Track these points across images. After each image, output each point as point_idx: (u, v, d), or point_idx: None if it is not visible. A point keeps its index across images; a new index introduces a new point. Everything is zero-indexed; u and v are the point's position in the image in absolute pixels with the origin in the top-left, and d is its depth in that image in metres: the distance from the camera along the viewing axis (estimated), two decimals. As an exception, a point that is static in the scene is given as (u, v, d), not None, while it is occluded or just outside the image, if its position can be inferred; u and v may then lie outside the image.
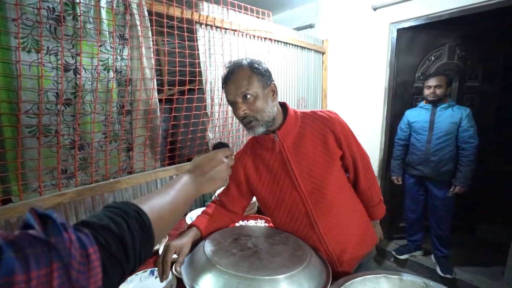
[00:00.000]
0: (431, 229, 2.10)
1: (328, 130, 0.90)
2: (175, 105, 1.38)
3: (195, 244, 0.88)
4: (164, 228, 0.49)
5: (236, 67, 0.85)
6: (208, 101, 1.56)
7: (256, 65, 0.85)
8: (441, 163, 1.94)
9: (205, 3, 1.47)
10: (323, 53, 2.39)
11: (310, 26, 2.57)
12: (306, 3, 2.52)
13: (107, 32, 1.13)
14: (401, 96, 2.25)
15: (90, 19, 1.08)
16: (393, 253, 2.31)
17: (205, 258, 0.78)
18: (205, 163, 0.64)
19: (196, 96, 1.46)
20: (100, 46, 1.11)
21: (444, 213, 2.01)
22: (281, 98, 2.05)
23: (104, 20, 1.11)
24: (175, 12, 1.33)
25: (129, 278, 0.98)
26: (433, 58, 2.21)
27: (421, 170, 2.03)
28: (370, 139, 2.32)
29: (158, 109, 1.33)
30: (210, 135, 1.61)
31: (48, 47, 1.00)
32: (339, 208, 0.93)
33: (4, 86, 0.94)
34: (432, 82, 1.93)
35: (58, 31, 1.01)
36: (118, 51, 1.18)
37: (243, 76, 0.83)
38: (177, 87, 1.43)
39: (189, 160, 1.58)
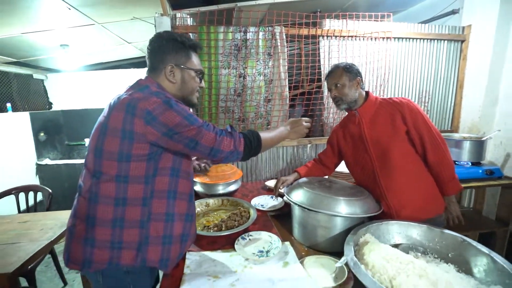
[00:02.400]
0: None
1: (397, 111, 1.22)
2: (299, 98, 2.00)
3: None
4: (267, 146, 1.04)
5: (334, 68, 1.33)
6: (325, 93, 2.07)
7: (348, 67, 1.29)
8: None
9: (327, 20, 1.97)
10: (462, 41, 2.23)
11: (453, 12, 2.42)
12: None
13: (261, 52, 1.90)
14: None
15: (253, 46, 1.88)
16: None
17: (297, 183, 1.34)
18: (294, 122, 1.18)
19: (314, 89, 2.00)
20: (257, 61, 1.90)
21: None
22: (397, 91, 2.21)
23: (260, 45, 1.89)
24: (303, 31, 1.92)
25: (260, 197, 1.71)
26: None
27: None
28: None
29: (288, 98, 2.00)
30: (324, 119, 2.12)
31: (232, 65, 1.88)
32: (401, 173, 1.22)
33: (214, 87, 1.89)
34: None
35: (238, 56, 1.87)
36: (266, 63, 1.93)
37: (337, 73, 1.29)
38: (301, 86, 2.04)
39: (307, 136, 2.17)
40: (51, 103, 3.52)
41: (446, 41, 2.22)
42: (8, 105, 2.89)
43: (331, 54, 2.02)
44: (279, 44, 1.90)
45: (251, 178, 2.10)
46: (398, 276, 0.82)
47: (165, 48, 0.94)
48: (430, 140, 1.19)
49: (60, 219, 1.72)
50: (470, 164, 2.06)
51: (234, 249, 1.13)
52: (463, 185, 1.91)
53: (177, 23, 1.76)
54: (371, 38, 2.06)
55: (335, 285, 0.91)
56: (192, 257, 1.10)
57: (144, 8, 1.88)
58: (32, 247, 1.38)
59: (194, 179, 1.72)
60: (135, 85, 0.92)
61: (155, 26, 1.66)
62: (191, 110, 1.13)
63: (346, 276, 0.93)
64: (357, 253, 0.95)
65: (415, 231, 1.05)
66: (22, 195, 2.12)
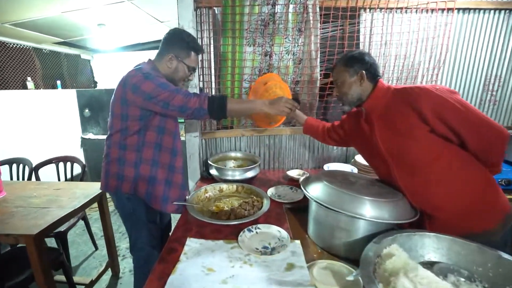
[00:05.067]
0: None
1: (409, 105, 0.94)
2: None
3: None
4: (234, 109, 1.19)
5: (335, 64, 1.15)
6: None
7: (348, 61, 1.08)
8: None
9: (371, -11, 1.68)
10: (555, 13, 1.74)
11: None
12: None
13: (290, 28, 1.70)
14: None
15: (282, 21, 1.69)
16: None
17: (317, 176, 1.18)
18: (276, 99, 1.24)
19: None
20: (285, 38, 1.72)
21: None
22: (455, 76, 1.83)
23: (290, 20, 1.69)
24: (341, 3, 1.67)
25: (279, 187, 1.58)
26: None
27: None
28: None
29: (318, 80, 1.79)
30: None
31: (258, 42, 1.73)
32: (427, 173, 0.98)
33: (238, 66, 1.77)
34: None
35: (264, 32, 1.71)
36: (296, 40, 1.74)
37: (337, 69, 1.12)
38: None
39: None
40: (96, 82, 3.78)
41: (531, 13, 1.75)
42: (58, 82, 3.16)
43: (373, 30, 1.74)
44: (311, 18, 1.68)
45: (273, 165, 1.97)
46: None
47: (173, 42, 1.23)
48: (466, 131, 0.90)
49: (87, 189, 1.82)
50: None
51: (237, 241, 1.05)
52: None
53: (202, -4, 1.65)
54: (427, 11, 1.71)
55: (343, 302, 0.77)
56: (192, 244, 1.04)
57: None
58: (58, 213, 1.47)
59: (210, 162, 1.67)
60: (136, 65, 1.23)
61: (177, 2, 1.57)
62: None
63: (359, 293, 0.78)
64: (378, 266, 0.78)
65: (460, 249, 0.83)
66: (63, 165, 2.32)
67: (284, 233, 1.10)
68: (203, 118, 1.23)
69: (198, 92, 1.63)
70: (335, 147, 1.94)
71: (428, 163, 0.98)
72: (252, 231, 1.12)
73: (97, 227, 2.64)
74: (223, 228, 1.16)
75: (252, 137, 1.90)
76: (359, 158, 1.77)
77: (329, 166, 1.71)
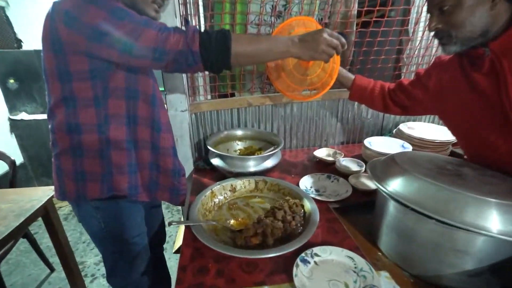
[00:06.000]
0: None
1: None
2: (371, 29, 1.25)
3: None
4: (245, 51, 0.72)
5: None
6: (413, 16, 1.31)
7: None
8: None
9: None
10: None
11: None
12: None
13: None
14: None
15: None
16: None
17: (395, 163, 0.75)
18: (311, 32, 0.75)
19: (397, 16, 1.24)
20: (312, -48, 1.12)
21: None
22: None
23: None
24: None
25: (311, 176, 1.11)
26: None
27: None
28: None
29: (355, 23, 1.26)
30: (405, 59, 1.40)
31: (272, -41, 1.11)
32: None
33: (240, 1, 1.15)
34: None
35: None
36: (327, -44, 1.15)
37: None
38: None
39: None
40: (20, 40, 2.75)
41: None
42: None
43: None
44: None
45: (290, 144, 1.48)
46: None
47: None
48: None
49: (21, 200, 1.19)
50: None
51: (290, 283, 0.62)
52: None
53: None
54: None
55: None
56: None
57: None
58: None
59: (211, 147, 1.12)
60: None
61: None
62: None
63: None
64: None
65: None
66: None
67: (359, 260, 0.68)
68: (191, 70, 0.73)
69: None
70: (369, 115, 1.49)
71: None
72: (309, 262, 0.68)
73: (49, 238, 2.00)
74: (261, 260, 0.69)
75: (262, 107, 1.36)
76: (405, 128, 1.35)
77: (370, 142, 1.27)
